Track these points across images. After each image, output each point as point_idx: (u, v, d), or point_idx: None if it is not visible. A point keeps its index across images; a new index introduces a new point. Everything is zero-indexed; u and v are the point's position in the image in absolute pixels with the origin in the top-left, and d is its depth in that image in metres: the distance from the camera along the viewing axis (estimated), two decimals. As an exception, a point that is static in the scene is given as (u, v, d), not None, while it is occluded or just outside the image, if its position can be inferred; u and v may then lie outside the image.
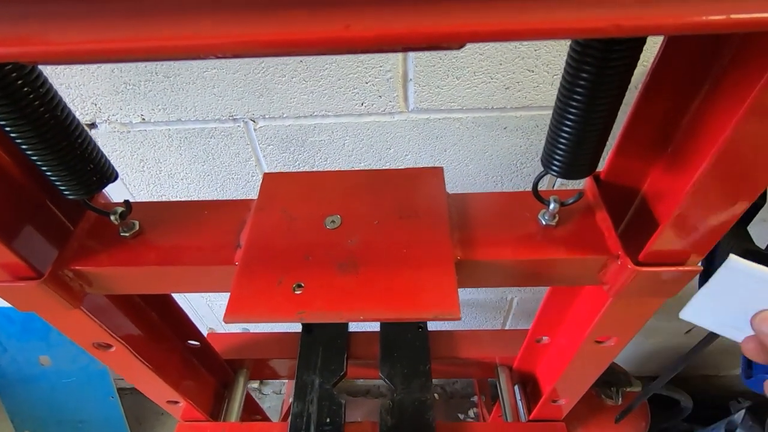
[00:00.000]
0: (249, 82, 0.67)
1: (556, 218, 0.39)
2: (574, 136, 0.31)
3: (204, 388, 0.71)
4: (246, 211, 0.42)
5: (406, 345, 0.75)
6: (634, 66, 0.28)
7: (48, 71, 0.67)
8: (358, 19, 0.16)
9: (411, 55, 0.64)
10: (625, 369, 0.93)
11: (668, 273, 0.37)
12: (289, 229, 0.39)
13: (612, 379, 0.89)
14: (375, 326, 0.80)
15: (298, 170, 0.80)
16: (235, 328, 1.11)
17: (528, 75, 0.65)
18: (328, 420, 0.66)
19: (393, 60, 0.64)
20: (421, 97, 0.68)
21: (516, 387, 0.76)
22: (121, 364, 0.53)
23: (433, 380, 0.71)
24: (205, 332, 0.85)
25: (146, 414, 1.40)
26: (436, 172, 0.43)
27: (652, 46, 0.40)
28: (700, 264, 0.37)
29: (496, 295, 1.14)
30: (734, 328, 0.37)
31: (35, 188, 0.40)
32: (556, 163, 0.33)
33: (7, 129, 0.30)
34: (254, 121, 0.73)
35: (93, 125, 0.74)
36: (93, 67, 0.65)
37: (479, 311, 1.20)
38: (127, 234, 0.40)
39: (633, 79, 0.30)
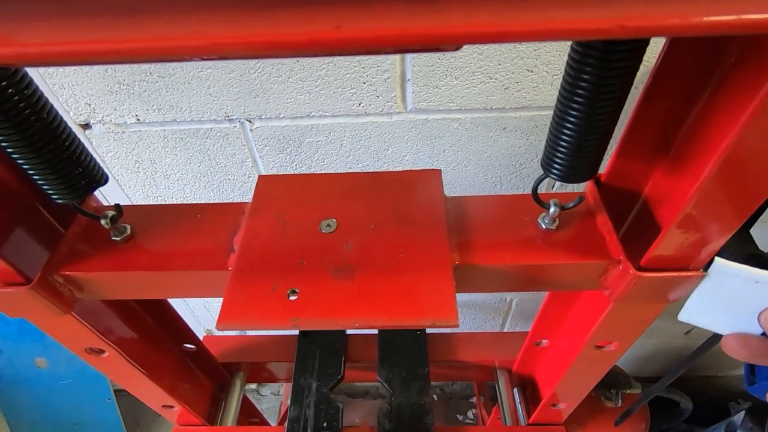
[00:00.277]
0: (245, 82, 0.66)
1: (556, 222, 0.39)
2: (575, 139, 0.30)
3: (200, 391, 0.70)
4: (240, 214, 0.41)
5: (405, 348, 0.74)
6: (637, 68, 0.27)
7: (41, 71, 0.66)
8: (350, 19, 0.16)
9: (409, 55, 0.64)
10: (624, 371, 0.93)
11: (670, 278, 0.36)
12: (283, 233, 0.38)
13: (612, 381, 0.88)
14: (373, 329, 0.79)
15: (296, 171, 0.80)
16: (232, 330, 1.10)
17: (527, 75, 0.65)
18: (325, 424, 0.66)
19: (391, 60, 0.63)
20: (419, 98, 0.67)
21: (515, 390, 0.75)
22: (114, 369, 0.52)
23: (432, 382, 0.70)
24: (202, 333, 0.84)
25: (143, 416, 1.40)
26: (434, 175, 0.42)
27: (655, 47, 0.39)
28: (703, 270, 0.36)
29: (495, 296, 1.13)
30: (732, 326, 0.36)
31: (25, 192, 0.39)
32: (556, 166, 0.32)
33: (-8, 132, 0.29)
34: (250, 122, 0.72)
35: (87, 126, 0.73)
36: (87, 66, 0.64)
37: (478, 312, 1.19)
38: (118, 238, 0.39)
39: (635, 79, 0.30)
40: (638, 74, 0.29)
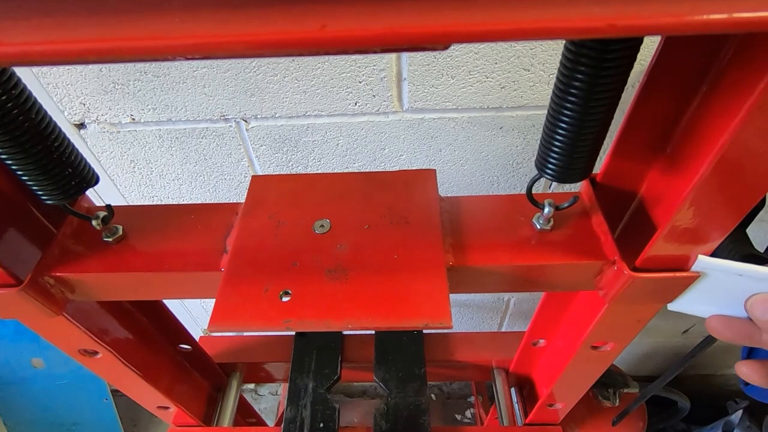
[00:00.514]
0: (240, 82, 0.65)
1: (551, 222, 0.38)
2: (569, 139, 0.30)
3: (196, 392, 0.70)
4: (233, 215, 0.41)
5: (401, 348, 0.74)
6: (631, 66, 0.27)
7: (35, 70, 0.66)
8: (335, 18, 0.15)
9: (405, 54, 0.63)
10: (622, 370, 0.93)
11: (666, 279, 0.36)
12: (276, 234, 0.38)
13: (609, 380, 0.88)
14: (369, 330, 0.79)
15: (292, 171, 0.79)
16: (224, 332, 1.10)
17: (524, 74, 0.64)
18: (321, 425, 0.65)
19: (387, 59, 0.63)
20: (415, 97, 0.67)
21: (512, 390, 0.75)
22: (108, 370, 0.52)
23: (430, 381, 0.70)
24: (199, 334, 0.84)
25: (141, 416, 1.39)
26: (429, 175, 0.42)
27: (650, 45, 0.39)
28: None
29: (492, 295, 1.13)
30: (719, 312, 0.37)
31: (16, 192, 0.38)
32: (550, 166, 0.32)
33: (-20, 132, 0.28)
34: (246, 121, 0.72)
35: (82, 125, 0.72)
36: (81, 66, 0.64)
37: (476, 312, 1.19)
38: (110, 239, 0.39)
39: (630, 78, 0.29)
40: (634, 73, 0.29)
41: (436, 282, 0.34)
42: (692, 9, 0.16)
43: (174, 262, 0.38)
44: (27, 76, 0.65)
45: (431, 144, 0.74)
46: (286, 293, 0.33)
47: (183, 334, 0.65)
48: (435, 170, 0.43)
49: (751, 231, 0.64)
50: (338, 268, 0.35)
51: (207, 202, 0.86)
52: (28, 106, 0.29)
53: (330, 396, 0.69)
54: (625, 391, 0.87)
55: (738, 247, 0.46)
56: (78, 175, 0.34)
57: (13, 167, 0.31)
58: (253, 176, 0.43)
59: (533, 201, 0.37)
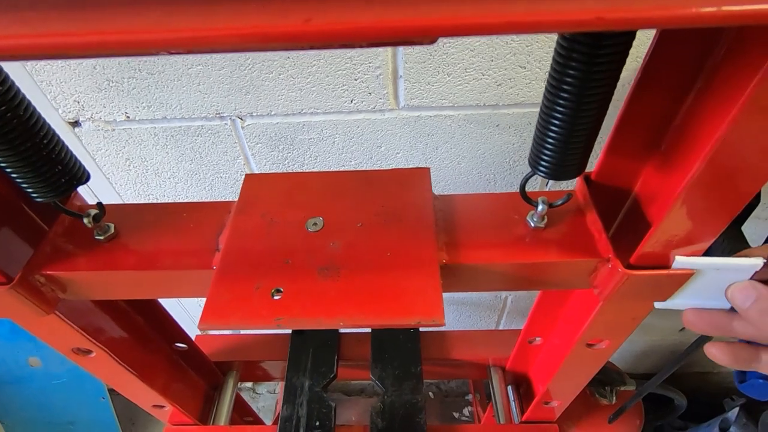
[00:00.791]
0: (235, 79, 0.65)
1: (545, 220, 0.38)
2: (562, 136, 0.29)
3: (192, 391, 0.70)
4: (226, 213, 0.41)
5: (398, 346, 0.74)
6: (623, 62, 0.27)
7: (28, 67, 0.65)
8: (320, 11, 0.15)
9: (401, 50, 0.63)
10: (619, 368, 0.93)
11: (660, 277, 0.36)
12: (269, 232, 0.38)
13: (606, 378, 0.88)
14: (364, 328, 0.79)
15: (288, 169, 0.79)
16: (215, 330, 1.10)
17: (520, 71, 0.64)
18: (317, 423, 0.65)
19: (382, 56, 0.63)
20: (411, 94, 0.67)
21: (509, 388, 0.75)
22: (102, 369, 0.51)
23: (427, 379, 0.70)
24: (196, 332, 0.84)
25: (138, 414, 1.39)
26: (423, 173, 0.42)
27: (645, 41, 0.38)
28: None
29: (490, 293, 1.13)
30: (701, 305, 0.38)
31: (7, 189, 0.38)
32: (543, 164, 0.32)
33: (-32, 129, 0.28)
34: (242, 119, 0.71)
35: (76, 123, 0.72)
36: (74, 63, 0.64)
37: (473, 310, 1.19)
38: (101, 237, 0.39)
39: (625, 75, 0.29)
40: (628, 71, 0.29)
41: (429, 280, 0.34)
42: (682, 2, 0.16)
43: (165, 260, 0.37)
44: (20, 73, 0.65)
45: (428, 142, 0.74)
46: (278, 291, 0.33)
47: (178, 333, 0.65)
48: (429, 169, 0.42)
49: (746, 228, 0.64)
50: (331, 266, 0.35)
51: (203, 199, 0.86)
52: (16, 102, 0.29)
53: (326, 394, 0.69)
54: (622, 388, 0.87)
55: (733, 245, 0.45)
56: (68, 173, 0.34)
57: (2, 164, 0.30)
58: (246, 175, 0.43)
59: (527, 198, 0.37)
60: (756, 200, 0.52)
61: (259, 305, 0.32)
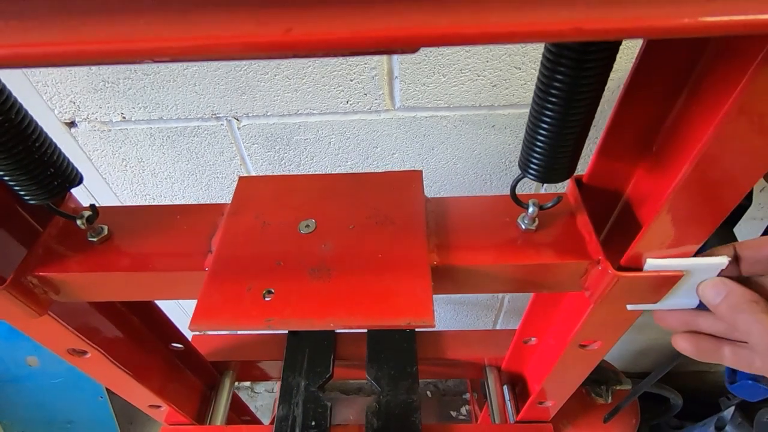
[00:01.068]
0: (231, 80, 0.65)
1: (536, 222, 0.38)
2: (550, 139, 0.30)
3: (188, 391, 0.70)
4: (219, 215, 0.41)
5: (394, 346, 0.74)
6: (611, 67, 0.27)
7: (24, 69, 0.65)
8: (301, 21, 0.15)
9: (396, 52, 0.63)
10: (615, 367, 0.93)
11: (650, 278, 0.36)
12: (261, 234, 0.38)
13: (602, 377, 0.89)
14: (358, 329, 0.79)
15: (285, 169, 0.79)
16: (205, 331, 1.10)
17: (515, 72, 0.64)
18: (313, 423, 0.66)
19: (377, 57, 0.63)
20: (407, 95, 0.67)
21: (505, 387, 0.75)
22: (98, 370, 0.52)
23: (425, 379, 0.70)
24: (193, 332, 0.84)
25: (136, 414, 1.39)
26: (415, 176, 0.42)
27: (634, 45, 0.38)
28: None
29: (487, 293, 1.13)
30: (673, 304, 0.38)
31: (1, 191, 0.38)
32: (532, 166, 0.32)
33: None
34: (238, 120, 0.71)
35: (73, 124, 0.72)
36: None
37: (471, 310, 1.19)
38: (95, 239, 0.39)
39: (616, 79, 0.29)
40: (618, 75, 0.29)
41: (420, 281, 0.34)
42: (660, 13, 0.16)
43: (158, 262, 0.38)
44: (16, 74, 0.65)
45: (423, 142, 0.74)
46: (269, 292, 0.33)
47: (175, 333, 0.66)
48: (421, 171, 0.43)
49: (741, 228, 0.64)
50: (322, 267, 0.35)
51: (200, 200, 0.86)
52: (7, 106, 0.29)
53: (322, 394, 0.69)
54: (618, 388, 0.87)
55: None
56: (61, 175, 0.34)
57: (-6, 168, 0.31)
58: (240, 177, 0.43)
59: (517, 201, 0.37)
60: (748, 202, 0.52)
61: (250, 306, 0.33)
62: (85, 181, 0.38)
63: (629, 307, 0.39)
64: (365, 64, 0.63)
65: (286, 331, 0.77)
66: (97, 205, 0.41)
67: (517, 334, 0.66)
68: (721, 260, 0.34)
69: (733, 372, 0.61)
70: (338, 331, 0.78)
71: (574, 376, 0.56)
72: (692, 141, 0.31)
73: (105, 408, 1.24)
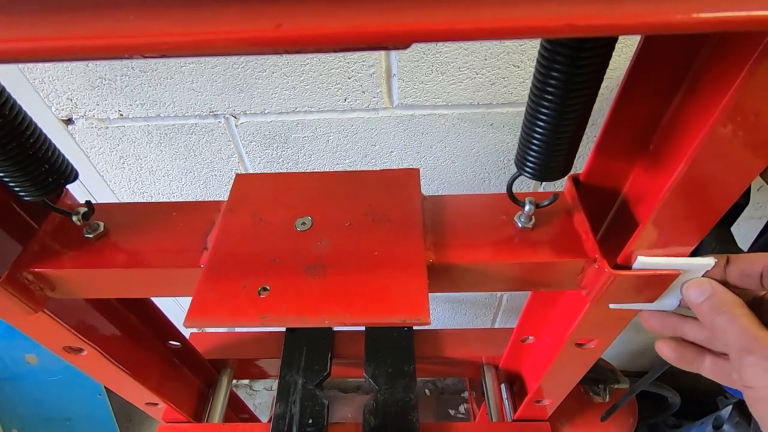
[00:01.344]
0: (228, 77, 0.65)
1: (533, 220, 0.38)
2: (546, 137, 0.30)
3: (185, 389, 0.70)
4: (215, 212, 0.41)
5: (391, 344, 0.74)
6: (607, 64, 0.27)
7: (20, 65, 0.65)
8: (291, 17, 0.15)
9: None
10: (613, 366, 0.93)
11: (647, 277, 0.36)
12: (257, 231, 0.38)
13: (599, 376, 0.89)
14: (352, 326, 0.79)
15: (283, 167, 0.79)
16: (201, 328, 1.10)
17: (514, 71, 0.64)
18: (310, 421, 0.66)
19: (375, 55, 0.63)
20: (405, 93, 0.67)
21: (502, 386, 0.75)
22: (94, 367, 0.52)
23: (423, 377, 0.70)
24: (190, 330, 0.84)
25: (135, 411, 1.40)
26: (412, 174, 0.42)
27: (632, 43, 0.38)
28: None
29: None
30: (658, 305, 0.39)
31: (-4, 188, 0.38)
32: (529, 164, 0.32)
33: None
34: (235, 117, 0.71)
35: (70, 121, 0.72)
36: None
37: (469, 308, 1.19)
38: (90, 236, 0.39)
39: (614, 77, 0.29)
40: (616, 74, 0.29)
41: (415, 278, 0.34)
42: (654, 9, 0.16)
43: (154, 259, 0.37)
44: (12, 70, 0.65)
45: (422, 140, 0.74)
46: (264, 289, 0.33)
47: (172, 331, 0.66)
48: (418, 169, 0.43)
49: (739, 227, 0.64)
50: (318, 265, 0.35)
51: (197, 197, 0.86)
52: (1, 102, 0.29)
53: (320, 392, 0.69)
54: (616, 386, 0.87)
55: (721, 245, 0.46)
56: (56, 171, 0.34)
57: (-12, 164, 0.31)
58: (236, 175, 0.43)
59: (514, 199, 0.37)
60: (745, 201, 0.52)
61: (246, 303, 0.33)
62: (82, 179, 0.38)
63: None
64: (363, 61, 0.63)
65: (284, 329, 0.77)
66: (93, 202, 0.41)
67: (514, 333, 0.66)
68: (708, 261, 0.34)
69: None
70: (336, 329, 0.78)
71: (571, 374, 0.56)
72: (689, 139, 0.31)
73: (103, 405, 1.24)
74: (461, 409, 1.45)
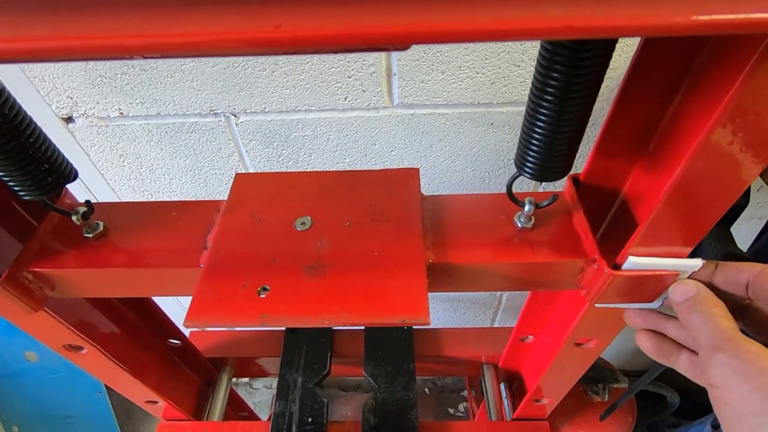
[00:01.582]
0: (229, 76, 0.65)
1: (532, 220, 0.38)
2: (546, 138, 0.30)
3: (185, 387, 0.70)
4: (215, 212, 0.41)
5: (391, 343, 0.74)
6: (607, 65, 0.27)
7: (21, 64, 0.65)
8: (291, 17, 0.15)
9: (394, 48, 0.63)
10: (612, 365, 0.93)
11: (646, 277, 0.36)
12: (257, 231, 0.38)
13: (599, 375, 0.89)
14: (352, 326, 0.79)
15: (283, 166, 0.79)
16: (200, 328, 1.10)
17: (514, 70, 0.64)
18: (310, 420, 0.66)
19: (376, 54, 0.62)
20: (405, 92, 0.67)
21: (501, 385, 0.75)
22: (94, 366, 0.52)
23: (422, 376, 0.70)
24: (190, 329, 0.84)
25: (135, 409, 1.40)
26: (411, 174, 0.42)
27: (632, 44, 0.38)
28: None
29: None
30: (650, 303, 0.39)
31: (-4, 187, 0.38)
32: (528, 165, 0.32)
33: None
34: (236, 116, 0.71)
35: (70, 119, 0.72)
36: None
37: (469, 307, 1.20)
38: (90, 235, 0.39)
39: (614, 77, 0.29)
40: (616, 74, 0.29)
41: (415, 278, 0.34)
42: (653, 11, 0.16)
43: (153, 258, 0.37)
44: (12, 68, 0.65)
45: (422, 140, 0.74)
46: (264, 289, 0.33)
47: (172, 329, 0.66)
48: (418, 169, 0.43)
49: (739, 227, 0.64)
50: (317, 265, 0.35)
51: (197, 196, 0.86)
52: (1, 101, 0.29)
53: (319, 391, 0.69)
54: (615, 386, 0.87)
55: (721, 246, 0.46)
56: (55, 171, 0.34)
57: (-12, 163, 0.31)
58: (236, 174, 0.43)
59: (513, 199, 0.37)
60: (745, 201, 0.52)
61: (245, 303, 0.33)
62: (82, 177, 0.38)
63: (597, 305, 0.39)
64: (363, 60, 0.63)
65: (284, 328, 0.77)
66: (93, 201, 0.41)
67: (514, 332, 0.66)
68: (695, 262, 0.34)
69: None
70: (336, 328, 0.78)
71: (570, 374, 0.57)
72: (689, 139, 0.31)
73: (103, 403, 1.24)
74: (460, 407, 1.45)
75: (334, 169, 0.78)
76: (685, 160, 0.29)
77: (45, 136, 0.33)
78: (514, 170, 0.35)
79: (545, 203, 0.37)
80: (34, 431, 1.30)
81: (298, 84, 0.66)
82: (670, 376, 1.01)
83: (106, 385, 1.23)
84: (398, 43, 0.16)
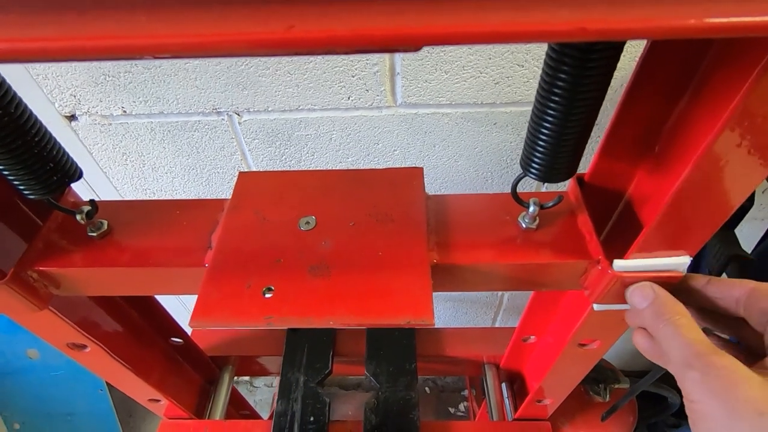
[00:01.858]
0: (232, 75, 0.65)
1: (537, 221, 0.38)
2: (552, 139, 0.29)
3: (187, 385, 0.71)
4: (219, 211, 0.41)
5: (393, 343, 0.74)
6: (614, 67, 0.27)
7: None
8: (303, 19, 0.15)
9: (398, 48, 0.63)
10: (613, 365, 0.93)
11: (650, 279, 0.36)
12: (261, 231, 0.38)
13: (600, 375, 0.89)
14: (356, 326, 0.79)
15: (285, 165, 0.79)
16: (205, 328, 1.10)
17: (518, 70, 0.64)
18: (312, 419, 0.66)
19: (379, 53, 0.62)
20: (408, 92, 0.67)
21: (503, 385, 0.75)
22: (97, 364, 0.52)
23: (423, 375, 0.70)
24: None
25: (136, 406, 1.40)
26: (416, 173, 0.42)
27: (639, 45, 0.38)
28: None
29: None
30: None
31: (1, 185, 0.38)
32: (534, 166, 0.32)
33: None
34: (239, 115, 0.71)
35: (73, 117, 0.72)
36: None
37: (470, 307, 1.20)
38: (94, 234, 0.39)
39: (620, 77, 0.29)
40: (621, 74, 0.29)
41: (419, 279, 0.34)
42: (665, 14, 0.16)
43: (157, 257, 0.37)
44: (16, 67, 0.65)
45: (425, 139, 0.74)
46: (269, 290, 0.33)
47: (174, 328, 0.66)
48: (422, 168, 0.43)
49: (743, 229, 0.64)
50: (322, 265, 0.35)
51: (200, 195, 0.86)
52: (7, 100, 0.29)
53: (321, 390, 0.69)
54: (616, 386, 0.87)
55: (725, 248, 0.46)
56: (60, 170, 0.34)
57: (-7, 162, 0.31)
58: (240, 173, 0.43)
59: (518, 200, 0.37)
60: (750, 203, 0.52)
61: (250, 304, 0.33)
62: (85, 176, 0.38)
63: (596, 307, 0.39)
64: (367, 60, 0.63)
65: (284, 327, 0.77)
66: (97, 199, 0.41)
67: (516, 332, 0.66)
68: (684, 260, 0.34)
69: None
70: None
71: (572, 374, 0.57)
72: (694, 142, 0.31)
73: (105, 401, 1.25)
74: (461, 407, 1.45)
75: (337, 168, 0.78)
76: (691, 163, 0.29)
77: (50, 134, 0.33)
78: (517, 170, 0.35)
79: (550, 204, 0.37)
80: (35, 428, 1.30)
81: (302, 83, 0.66)
82: (671, 377, 1.01)
83: (107, 383, 1.24)
84: (410, 44, 0.16)
